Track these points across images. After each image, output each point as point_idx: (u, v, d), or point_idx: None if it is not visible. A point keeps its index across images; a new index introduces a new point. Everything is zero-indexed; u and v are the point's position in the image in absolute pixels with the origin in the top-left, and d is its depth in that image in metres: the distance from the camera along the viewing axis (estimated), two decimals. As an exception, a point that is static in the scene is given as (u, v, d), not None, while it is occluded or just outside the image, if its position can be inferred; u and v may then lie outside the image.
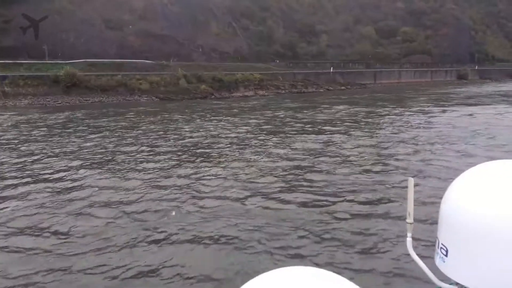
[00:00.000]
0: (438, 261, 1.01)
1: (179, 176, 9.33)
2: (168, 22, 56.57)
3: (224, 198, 7.74)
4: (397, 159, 10.88)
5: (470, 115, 19.36)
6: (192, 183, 8.96)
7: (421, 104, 25.87)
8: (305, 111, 23.36)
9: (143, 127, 17.31)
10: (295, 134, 14.78)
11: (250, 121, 19.07)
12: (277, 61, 65.08)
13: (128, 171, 9.99)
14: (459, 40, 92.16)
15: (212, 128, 16.62)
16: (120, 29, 52.18)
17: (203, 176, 9.50)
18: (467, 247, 0.92)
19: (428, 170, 9.64)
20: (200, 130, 16.18)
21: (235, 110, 26.17)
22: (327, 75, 64.91)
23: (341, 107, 26.17)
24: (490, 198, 0.91)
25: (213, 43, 59.69)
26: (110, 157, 11.72)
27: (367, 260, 5.77)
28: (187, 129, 16.39)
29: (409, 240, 1.16)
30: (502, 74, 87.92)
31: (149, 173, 9.71)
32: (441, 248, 1.00)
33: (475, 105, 24.71)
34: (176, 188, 8.60)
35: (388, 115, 20.24)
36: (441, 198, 1.02)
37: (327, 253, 5.92)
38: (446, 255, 0.98)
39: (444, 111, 21.49)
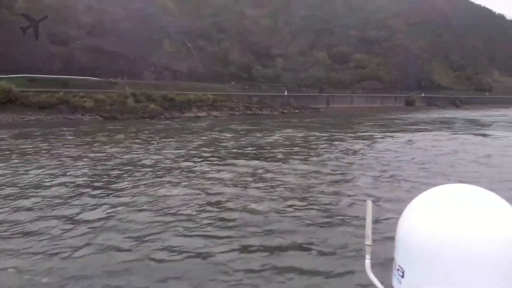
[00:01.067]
0: (395, 283, 1.02)
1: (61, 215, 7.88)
2: (119, 39, 54.80)
3: (103, 249, 6.36)
4: (326, 188, 10.25)
5: (410, 141, 19.44)
6: (76, 221, 7.64)
7: (367, 130, 26.00)
8: (250, 134, 22.64)
9: (60, 150, 15.73)
10: (230, 158, 13.86)
11: (188, 143, 17.99)
12: (233, 82, 64.85)
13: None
14: (407, 68, 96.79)
15: (141, 151, 15.36)
16: (66, 44, 49.80)
17: (97, 210, 8.22)
18: (422, 269, 0.94)
19: (345, 199, 9.08)
20: (125, 153, 14.85)
21: (178, 131, 24.97)
22: (282, 98, 65.34)
23: (288, 130, 25.78)
24: (444, 220, 0.94)
25: (166, 62, 58.52)
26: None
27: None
28: (110, 152, 15.00)
29: (367, 262, 1.16)
30: (447, 101, 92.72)
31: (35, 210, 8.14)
32: (397, 269, 1.01)
33: (416, 131, 25.12)
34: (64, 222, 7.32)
35: (332, 140, 19.90)
36: (397, 219, 1.05)
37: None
38: (402, 277, 0.99)
39: (386, 137, 21.53)
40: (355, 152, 15.64)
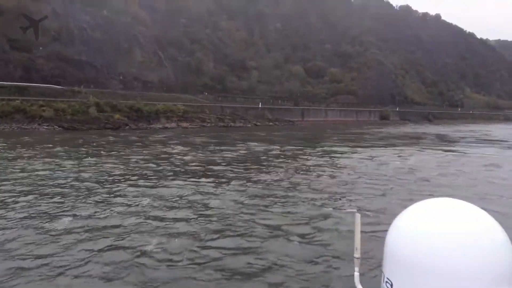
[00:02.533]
0: None
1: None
2: (86, 47, 52.95)
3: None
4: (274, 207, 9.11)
5: (371, 157, 18.54)
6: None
7: (333, 144, 25.08)
8: (208, 148, 21.30)
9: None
10: (164, 178, 12.44)
11: (131, 158, 16.44)
12: (206, 93, 63.59)
13: None
14: (381, 83, 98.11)
15: (67, 167, 13.76)
16: (28, 50, 47.54)
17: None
18: (410, 281, 0.97)
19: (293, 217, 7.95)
20: (43, 169, 13.22)
21: (130, 144, 23.29)
22: (256, 110, 64.37)
23: (251, 144, 24.59)
24: (431, 233, 0.96)
25: (136, 71, 56.83)
26: None
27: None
28: (29, 169, 13.37)
29: (356, 274, 1.19)
30: (420, 116, 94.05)
31: None
32: (386, 282, 1.03)
33: (382, 147, 24.40)
34: None
35: (292, 156, 18.77)
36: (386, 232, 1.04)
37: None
38: None
39: (348, 152, 20.60)
40: (308, 170, 14.54)
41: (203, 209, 8.89)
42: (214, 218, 8.11)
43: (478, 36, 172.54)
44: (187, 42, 66.29)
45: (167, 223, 7.78)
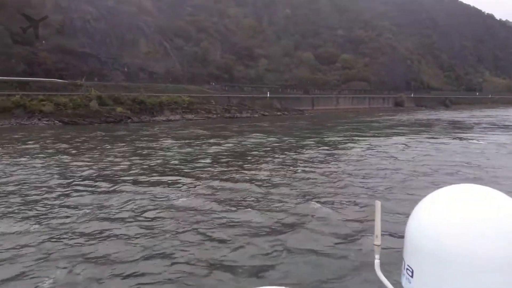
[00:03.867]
0: (404, 282, 1.05)
1: None
2: (89, 39, 52.30)
3: None
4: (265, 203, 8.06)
5: (371, 147, 17.18)
6: None
7: (337, 134, 23.66)
8: (204, 142, 20.20)
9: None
10: (133, 178, 11.44)
11: (115, 154, 15.51)
12: (213, 83, 62.42)
13: None
14: (396, 68, 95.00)
15: (38, 165, 12.88)
16: (31, 44, 47.12)
17: None
18: (431, 268, 0.96)
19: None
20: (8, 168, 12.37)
21: (121, 138, 22.37)
22: (264, 100, 62.80)
23: (252, 135, 23.45)
24: (452, 221, 0.95)
25: (141, 62, 55.98)
26: None
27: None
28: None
29: (377, 262, 1.19)
30: (436, 102, 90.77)
31: None
32: (407, 269, 1.03)
33: (387, 136, 22.88)
34: None
35: (289, 148, 17.53)
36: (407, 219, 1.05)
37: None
38: (411, 276, 1.01)
39: (348, 143, 19.24)
40: (294, 165, 13.32)
41: (146, 223, 7.76)
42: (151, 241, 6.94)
43: (497, 17, 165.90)
44: (193, 31, 64.98)
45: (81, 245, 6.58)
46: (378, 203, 1.20)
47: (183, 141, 20.21)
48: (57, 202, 9.01)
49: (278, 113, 59.24)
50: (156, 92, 49.65)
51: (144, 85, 51.13)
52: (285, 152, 16.26)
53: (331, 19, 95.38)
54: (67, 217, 7.99)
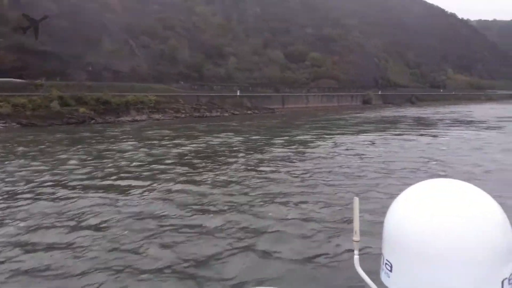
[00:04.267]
0: (383, 277, 1.06)
1: None
2: (50, 37, 50.08)
3: None
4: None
5: (335, 144, 17.02)
6: None
7: (303, 133, 23.47)
8: (160, 144, 19.37)
9: None
10: (104, 179, 10.78)
11: (59, 158, 14.60)
12: (181, 82, 61.31)
13: None
14: (364, 67, 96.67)
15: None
16: (-14, 41, 44.67)
17: None
18: (410, 263, 0.97)
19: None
20: None
21: (81, 140, 21.31)
22: (234, 98, 62.19)
23: (219, 135, 22.90)
24: (430, 213, 0.96)
25: (105, 61, 54.17)
26: None
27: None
28: None
29: (356, 257, 1.20)
30: (402, 99, 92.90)
31: None
32: (385, 263, 1.04)
33: (350, 133, 22.93)
34: None
35: (247, 149, 17.11)
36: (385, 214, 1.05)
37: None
38: (390, 271, 1.02)
39: (313, 141, 19.08)
40: (263, 165, 12.97)
41: (97, 233, 7.16)
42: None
43: (460, 17, 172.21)
44: (160, 29, 63.54)
45: None
46: (356, 199, 1.20)
47: (146, 142, 19.45)
48: (6, 211, 8.26)
49: (249, 111, 58.81)
50: (122, 92, 48.17)
51: (109, 85, 49.52)
52: (252, 152, 15.88)
53: (301, 17, 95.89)
54: (13, 226, 7.29)
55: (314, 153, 15.78)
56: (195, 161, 14.17)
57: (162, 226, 7.41)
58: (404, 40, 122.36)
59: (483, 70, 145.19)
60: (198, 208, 8.45)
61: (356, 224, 1.20)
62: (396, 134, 22.36)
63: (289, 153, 15.81)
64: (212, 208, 8.49)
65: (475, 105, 79.26)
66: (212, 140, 20.09)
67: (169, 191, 9.81)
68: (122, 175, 11.82)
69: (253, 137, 21.76)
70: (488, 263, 0.92)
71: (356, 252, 1.20)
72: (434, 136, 21.91)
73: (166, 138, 21.30)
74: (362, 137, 21.08)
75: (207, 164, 13.50)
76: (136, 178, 11.30)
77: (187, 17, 71.20)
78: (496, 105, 77.88)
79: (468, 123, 32.28)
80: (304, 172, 12.15)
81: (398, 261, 1.00)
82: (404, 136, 21.46)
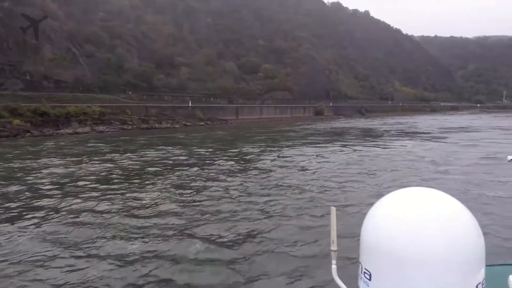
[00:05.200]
0: (362, 285, 1.07)
1: None
2: (-18, 43, 46.33)
3: None
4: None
5: (280, 157, 16.29)
6: None
7: (246, 145, 22.66)
8: (99, 157, 17.90)
9: None
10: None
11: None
12: (129, 92, 58.87)
13: None
14: (315, 78, 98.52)
15: None
16: None
17: None
18: (389, 271, 0.99)
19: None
20: None
21: (4, 155, 19.19)
22: (186, 109, 60.70)
23: (159, 148, 21.52)
24: (406, 222, 0.99)
25: (46, 70, 50.84)
26: None
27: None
28: None
29: (334, 267, 1.21)
30: (353, 110, 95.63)
31: None
32: (364, 272, 1.05)
33: (295, 146, 22.46)
34: None
35: (193, 164, 16.01)
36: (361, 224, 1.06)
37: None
38: (369, 279, 1.03)
39: (257, 154, 18.33)
40: (195, 183, 11.94)
41: None
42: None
43: (404, 32, 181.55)
44: (107, 38, 60.81)
45: None
46: (333, 209, 1.21)
47: (71, 159, 17.69)
48: None
49: (201, 123, 57.50)
50: (64, 102, 45.31)
51: (49, 95, 46.43)
52: (188, 168, 14.76)
53: (253, 29, 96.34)
54: None
55: (256, 167, 14.98)
56: (117, 180, 12.82)
57: (56, 262, 6.18)
58: (354, 53, 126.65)
59: (426, 83, 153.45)
60: (107, 239, 7.25)
61: (334, 234, 1.19)
62: (342, 146, 22.18)
63: (229, 169, 14.90)
64: (117, 238, 7.34)
65: (420, 116, 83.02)
66: (147, 154, 18.72)
67: (75, 216, 8.51)
68: (28, 199, 10.28)
69: (197, 150, 20.65)
70: (464, 268, 0.94)
71: (333, 262, 1.20)
72: (378, 147, 21.94)
73: (97, 153, 19.58)
74: (308, 149, 20.63)
75: (130, 184, 12.22)
76: (40, 203, 9.82)
77: (136, 26, 68.92)
78: (440, 116, 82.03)
79: (413, 134, 33.10)
80: (236, 188, 11.27)
81: (377, 269, 1.00)
82: (349, 148, 21.30)
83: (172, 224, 8.07)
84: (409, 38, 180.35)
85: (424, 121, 57.96)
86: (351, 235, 4.93)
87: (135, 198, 10.17)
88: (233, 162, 16.28)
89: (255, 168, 14.77)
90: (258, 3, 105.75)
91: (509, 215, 8.57)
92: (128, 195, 10.54)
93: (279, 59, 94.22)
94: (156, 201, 9.78)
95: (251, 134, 33.81)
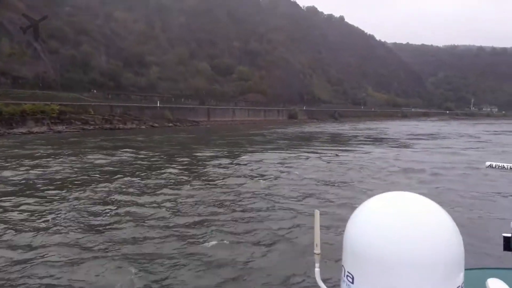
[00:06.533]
0: None
1: None
2: None
3: None
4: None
5: (234, 163, 15.11)
6: None
7: (208, 151, 21.35)
8: (30, 161, 16.15)
9: None
10: None
11: None
12: (94, 91, 56.36)
13: None
14: (290, 82, 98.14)
15: None
16: None
17: None
18: (372, 274, 0.99)
19: None
20: None
21: None
22: (155, 110, 58.60)
23: (107, 151, 19.87)
24: (386, 225, 1.00)
25: (2, 65, 47.91)
26: None
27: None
28: None
29: (317, 270, 1.23)
30: (326, 114, 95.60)
31: None
32: (347, 276, 1.05)
33: (259, 151, 21.36)
34: None
35: (135, 171, 14.52)
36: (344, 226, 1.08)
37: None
38: (352, 282, 1.04)
39: (214, 161, 17.08)
40: (126, 196, 10.57)
41: None
42: None
43: (377, 38, 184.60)
44: (72, 33, 58.11)
45: None
46: (317, 212, 1.22)
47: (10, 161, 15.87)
48: None
49: (170, 124, 55.62)
50: (20, 100, 42.67)
51: (5, 91, 43.63)
52: (121, 177, 13.26)
53: (227, 30, 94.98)
54: None
55: (203, 176, 13.70)
56: (41, 189, 11.28)
57: None
58: (327, 58, 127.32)
59: (398, 88, 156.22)
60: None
61: (317, 237, 1.21)
62: (304, 152, 21.17)
63: (179, 176, 13.58)
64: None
65: (391, 121, 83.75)
66: (95, 160, 17.08)
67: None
68: None
69: (145, 154, 19.14)
70: (445, 272, 0.95)
71: (317, 265, 1.21)
72: (345, 153, 21.08)
73: (31, 157, 17.71)
74: (269, 155, 19.50)
75: (59, 192, 10.72)
76: None
77: (104, 22, 66.36)
78: (410, 122, 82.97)
79: (380, 140, 32.58)
80: (173, 200, 9.99)
81: (359, 272, 1.01)
82: (310, 154, 20.31)
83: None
84: (382, 44, 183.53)
85: (396, 127, 58.11)
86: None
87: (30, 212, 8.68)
88: (184, 168, 14.95)
89: (201, 177, 13.50)
90: (233, 3, 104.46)
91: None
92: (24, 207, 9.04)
93: (253, 61, 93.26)
94: (53, 222, 8.30)
95: (217, 137, 32.45)
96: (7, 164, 15.58)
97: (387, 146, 26.32)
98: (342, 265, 1.07)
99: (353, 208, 1.11)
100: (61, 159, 17.04)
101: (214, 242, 6.97)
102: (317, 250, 1.21)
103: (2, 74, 48.57)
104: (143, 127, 50.89)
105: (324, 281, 1.15)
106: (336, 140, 31.82)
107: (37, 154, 18.86)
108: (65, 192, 10.92)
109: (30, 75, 50.88)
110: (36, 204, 9.59)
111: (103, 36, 64.65)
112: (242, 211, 9.24)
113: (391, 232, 0.98)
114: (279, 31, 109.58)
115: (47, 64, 53.35)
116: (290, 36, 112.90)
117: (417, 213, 1.01)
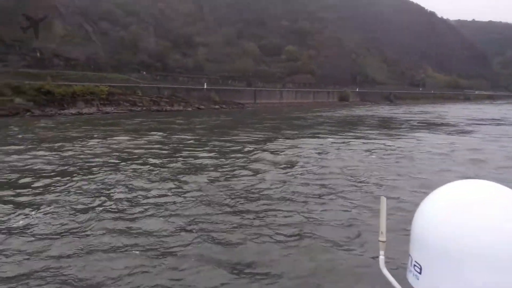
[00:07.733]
0: (411, 279, 1.04)
1: None
2: (-10, 18, 45.33)
3: None
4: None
5: (263, 150, 13.65)
6: None
7: (238, 137, 19.99)
8: (54, 146, 15.80)
9: None
10: None
11: None
12: (143, 72, 57.04)
13: None
14: (341, 62, 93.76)
15: None
16: None
17: None
18: (442, 265, 0.95)
19: None
20: None
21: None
22: (201, 91, 58.25)
23: (143, 136, 19.23)
24: (461, 215, 0.95)
25: (56, 47, 49.55)
26: None
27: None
28: None
29: (381, 258, 1.20)
30: (380, 96, 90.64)
31: None
32: (414, 265, 1.02)
33: (296, 137, 19.65)
34: None
35: (151, 157, 13.58)
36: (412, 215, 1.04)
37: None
38: (420, 273, 1.00)
39: (246, 147, 15.76)
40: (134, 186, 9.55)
41: None
42: None
43: (439, 15, 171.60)
44: (121, 15, 58.94)
45: None
46: (383, 199, 1.19)
47: (27, 146, 15.58)
48: None
49: (216, 106, 55.06)
50: (72, 81, 43.96)
51: (57, 73, 45.10)
52: (150, 161, 12.35)
53: (276, 9, 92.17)
54: None
55: (229, 162, 12.44)
56: (44, 174, 10.59)
57: None
58: (383, 37, 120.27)
59: (461, 69, 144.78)
60: None
61: (383, 225, 1.18)
62: (351, 138, 19.18)
63: (199, 161, 12.45)
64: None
65: (452, 104, 77.57)
66: (117, 142, 16.40)
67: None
68: None
69: (177, 137, 18.23)
70: None
71: (381, 252, 1.18)
72: (393, 140, 18.84)
73: (68, 138, 17.39)
74: (304, 141, 17.80)
75: (61, 181, 9.96)
76: None
77: (153, 3, 66.68)
78: (473, 105, 76.38)
79: (437, 125, 29.48)
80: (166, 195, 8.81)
81: (428, 263, 0.97)
82: (355, 140, 18.31)
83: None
84: (444, 21, 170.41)
85: (456, 111, 53.39)
86: None
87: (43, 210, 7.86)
88: (209, 157, 13.79)
89: (226, 164, 12.24)
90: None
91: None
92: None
93: (302, 41, 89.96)
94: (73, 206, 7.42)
95: (255, 121, 31.01)
96: (34, 146, 15.33)
97: (443, 133, 23.52)
98: (409, 254, 1.03)
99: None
100: (91, 141, 16.59)
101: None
102: (382, 237, 1.17)
103: (55, 55, 50.31)
104: (190, 109, 50.69)
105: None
106: (386, 126, 29.19)
107: (70, 136, 18.66)
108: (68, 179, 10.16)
109: (81, 57, 52.33)
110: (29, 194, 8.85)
111: (151, 17, 65.05)
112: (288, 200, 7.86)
113: (468, 222, 0.91)
114: (330, 9, 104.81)
115: (98, 46, 54.55)
116: (341, 15, 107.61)
117: (493, 202, 0.94)
